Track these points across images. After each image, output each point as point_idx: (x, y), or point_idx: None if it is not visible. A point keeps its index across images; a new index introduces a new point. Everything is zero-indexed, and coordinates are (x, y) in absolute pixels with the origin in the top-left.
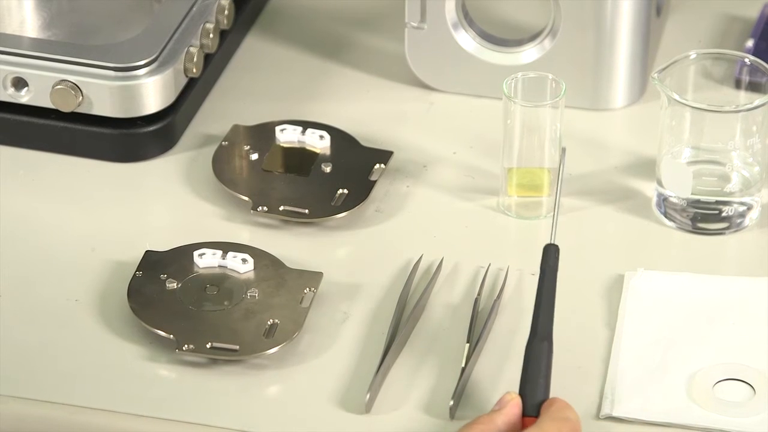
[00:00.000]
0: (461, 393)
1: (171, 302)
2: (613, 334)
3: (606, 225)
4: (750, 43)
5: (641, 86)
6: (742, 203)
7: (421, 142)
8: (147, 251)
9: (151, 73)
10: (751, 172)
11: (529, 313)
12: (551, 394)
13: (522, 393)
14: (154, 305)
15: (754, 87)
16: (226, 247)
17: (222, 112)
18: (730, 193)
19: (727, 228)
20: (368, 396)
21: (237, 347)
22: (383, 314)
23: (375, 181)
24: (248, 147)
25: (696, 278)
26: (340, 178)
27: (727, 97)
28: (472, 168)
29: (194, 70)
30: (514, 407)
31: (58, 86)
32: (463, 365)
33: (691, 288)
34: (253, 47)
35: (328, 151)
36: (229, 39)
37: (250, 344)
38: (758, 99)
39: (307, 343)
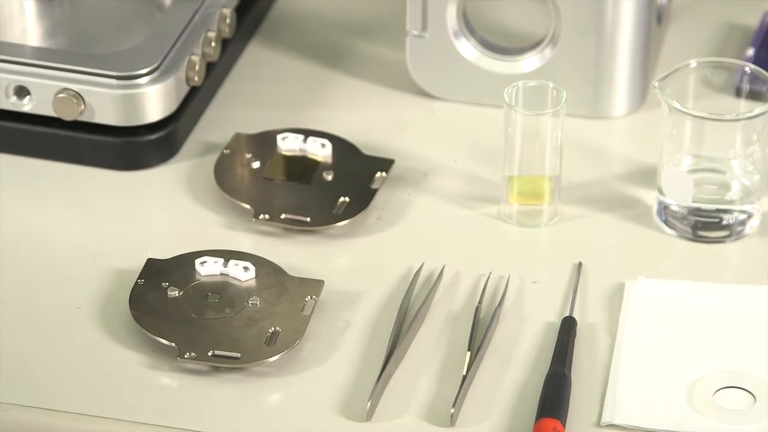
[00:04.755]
0: (462, 401)
1: (172, 310)
2: (614, 342)
3: (607, 233)
4: (750, 52)
5: (642, 94)
6: (742, 211)
7: (422, 150)
8: (149, 259)
9: (153, 82)
10: (751, 181)
11: (529, 321)
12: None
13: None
14: (156, 313)
15: (754, 95)
16: (227, 255)
17: (224, 121)
18: (731, 202)
19: (728, 236)
20: (369, 404)
21: (238, 355)
22: (384, 322)
23: (376, 190)
24: (250, 155)
25: (697, 286)
26: (342, 186)
27: (727, 106)
28: (473, 176)
29: (196, 79)
30: None
31: (60, 94)
32: (464, 373)
33: (692, 296)
34: (255, 56)
35: (329, 160)
36: (231, 48)
37: (252, 352)
38: (758, 107)
39: (309, 350)
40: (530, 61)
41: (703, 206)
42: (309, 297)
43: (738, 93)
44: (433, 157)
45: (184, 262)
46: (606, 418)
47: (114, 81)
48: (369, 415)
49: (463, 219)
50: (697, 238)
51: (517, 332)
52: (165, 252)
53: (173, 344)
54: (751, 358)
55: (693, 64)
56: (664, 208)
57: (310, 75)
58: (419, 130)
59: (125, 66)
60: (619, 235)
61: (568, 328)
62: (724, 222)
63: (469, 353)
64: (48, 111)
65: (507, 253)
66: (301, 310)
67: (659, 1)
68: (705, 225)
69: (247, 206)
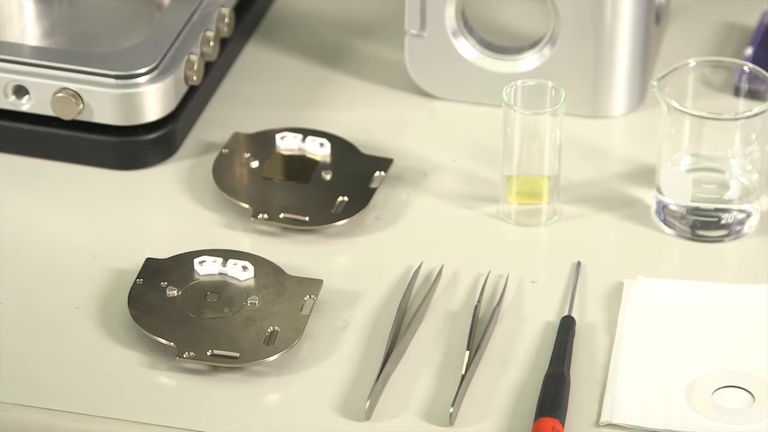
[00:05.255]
0: (461, 400)
1: (171, 310)
2: (613, 342)
3: (605, 232)
4: (749, 51)
5: (641, 94)
6: (741, 211)
7: (421, 149)
8: (147, 259)
9: (151, 81)
10: (750, 180)
11: (528, 320)
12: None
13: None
14: (155, 313)
15: (753, 95)
16: (226, 255)
17: (222, 120)
18: (730, 201)
19: (727, 235)
20: (368, 403)
21: (237, 354)
22: (383, 321)
23: (375, 189)
24: (248, 154)
25: (695, 285)
26: (341, 185)
27: (726, 105)
28: (472, 176)
29: (195, 78)
30: None
31: (59, 94)
32: (463, 372)
33: (691, 295)
34: (253, 55)
35: (328, 159)
36: (229, 47)
37: (251, 351)
38: (757, 107)
39: (308, 350)
40: (529, 61)
41: (702, 205)
42: (308, 296)
43: (737, 92)
44: (432, 157)
45: (183, 262)
46: (605, 418)
47: (113, 80)
48: (368, 415)
49: (462, 218)
50: (695, 238)
51: (516, 331)
52: (164, 251)
53: (172, 344)
54: (750, 358)
55: (692, 63)
56: (662, 208)
57: (308, 74)
58: (418, 129)
59: (124, 65)
60: (617, 235)
61: (567, 327)
62: (723, 221)
63: (468, 352)
64: (47, 110)
65: (506, 252)
66: (300, 310)
67: (658, 1)
68: (704, 224)
69: (246, 206)
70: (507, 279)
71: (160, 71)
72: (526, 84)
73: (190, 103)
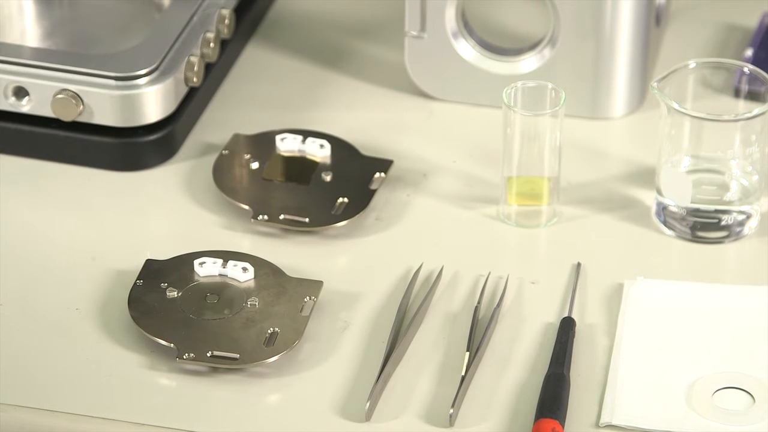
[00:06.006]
0: (461, 401)
1: (171, 311)
2: (613, 343)
3: (605, 234)
4: (749, 53)
5: (641, 95)
6: (741, 212)
7: (421, 151)
8: (147, 260)
9: (151, 83)
10: (750, 181)
11: (528, 321)
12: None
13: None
14: (155, 314)
15: (753, 96)
16: (226, 256)
17: (222, 121)
18: (729, 202)
19: (726, 237)
20: (368, 404)
21: (237, 356)
22: (383, 322)
23: (375, 190)
24: (249, 156)
25: (695, 287)
26: (341, 186)
27: (726, 106)
28: (472, 177)
29: (195, 80)
30: None
31: (59, 95)
32: (463, 373)
33: (691, 296)
34: (253, 56)
35: (328, 160)
36: (229, 48)
37: (251, 353)
38: (757, 108)
39: (308, 351)
40: (529, 62)
41: (702, 207)
42: (308, 298)
43: (737, 93)
44: (432, 158)
45: (183, 263)
46: (605, 419)
47: (113, 82)
48: (368, 416)
49: (462, 219)
50: (695, 239)
51: (516, 333)
52: (164, 253)
53: (172, 345)
54: (750, 359)
55: (692, 64)
56: (662, 209)
57: (308, 75)
58: (418, 130)
59: (124, 67)
60: (617, 236)
61: (567, 328)
62: (723, 222)
63: (468, 353)
64: (47, 112)
65: (506, 253)
66: (300, 311)
67: (658, 2)
68: (704, 225)
69: (246, 207)
70: (507, 280)
71: (160, 72)
72: (526, 85)
73: (190, 105)
